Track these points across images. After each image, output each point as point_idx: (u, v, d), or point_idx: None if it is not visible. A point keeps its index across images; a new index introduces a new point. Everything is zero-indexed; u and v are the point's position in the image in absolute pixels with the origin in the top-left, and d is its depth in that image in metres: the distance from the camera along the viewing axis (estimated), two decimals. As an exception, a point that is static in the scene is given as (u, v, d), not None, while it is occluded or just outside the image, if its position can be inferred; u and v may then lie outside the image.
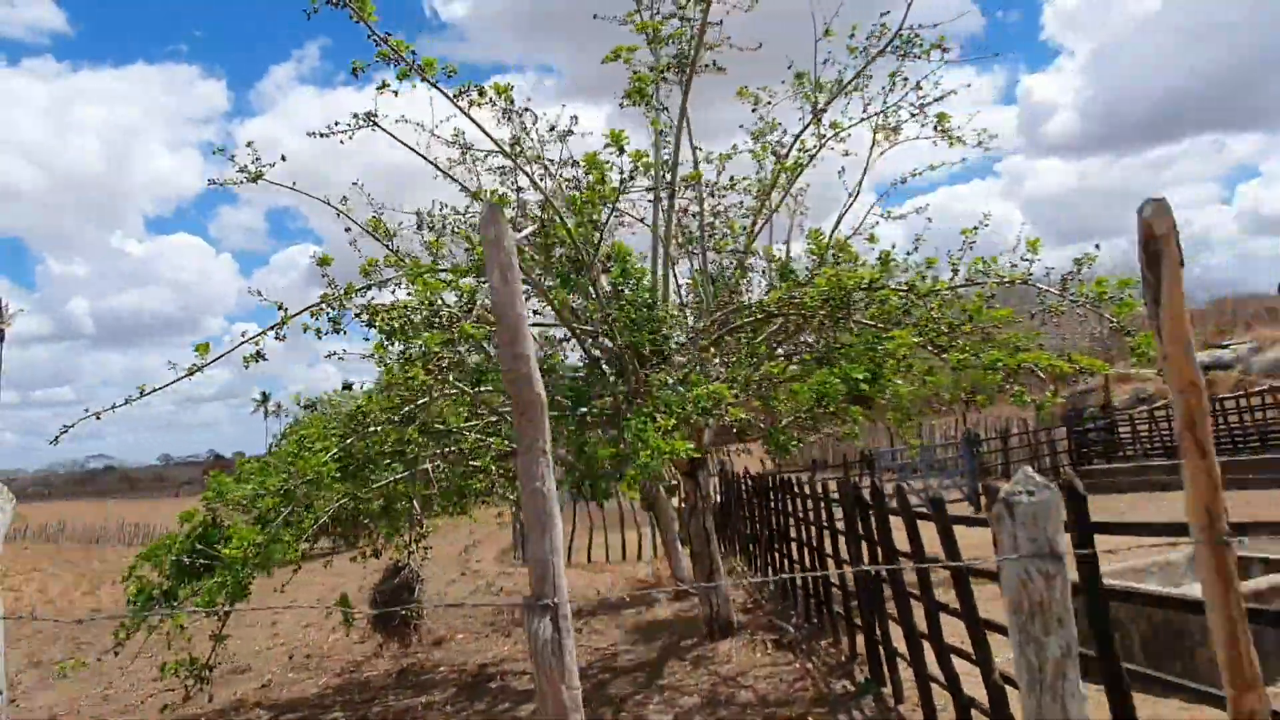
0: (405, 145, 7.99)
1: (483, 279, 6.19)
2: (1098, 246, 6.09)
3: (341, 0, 5.35)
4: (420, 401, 6.40)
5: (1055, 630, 1.73)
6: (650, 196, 9.26)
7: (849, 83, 9.20)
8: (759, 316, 7.57)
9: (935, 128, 8.46)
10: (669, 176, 8.90)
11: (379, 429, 6.08)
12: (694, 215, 9.69)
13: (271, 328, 7.24)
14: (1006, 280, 6.02)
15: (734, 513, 15.53)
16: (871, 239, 9.86)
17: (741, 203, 10.02)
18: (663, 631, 10.73)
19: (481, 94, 6.11)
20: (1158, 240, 1.96)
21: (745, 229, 9.27)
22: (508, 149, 7.11)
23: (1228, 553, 1.83)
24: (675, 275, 10.73)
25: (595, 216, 6.69)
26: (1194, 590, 7.47)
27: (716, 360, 8.55)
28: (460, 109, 6.13)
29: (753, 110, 9.98)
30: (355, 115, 7.40)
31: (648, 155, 6.41)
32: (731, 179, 9.41)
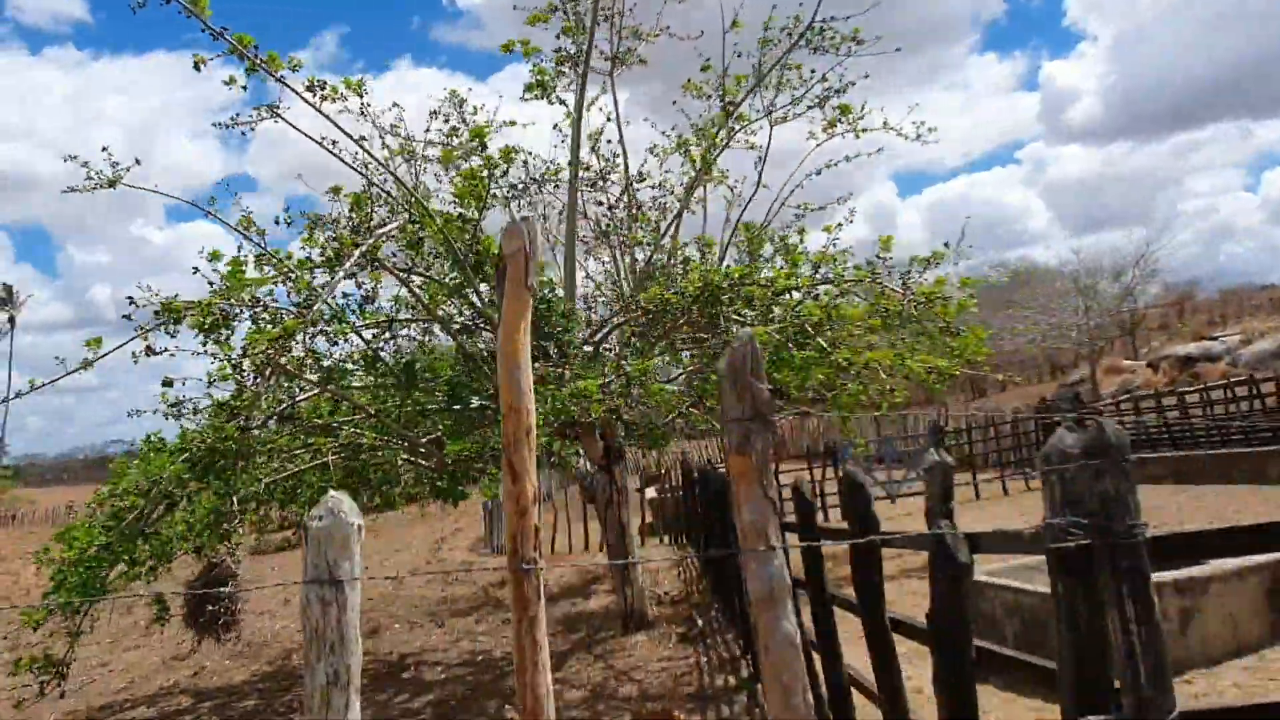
0: (308, 137, 8.04)
1: (339, 270, 6.21)
2: (946, 245, 6.02)
3: (170, -3, 5.37)
4: (278, 405, 6.46)
5: (325, 657, 1.72)
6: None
7: (765, 75, 9.13)
8: (638, 314, 7.55)
9: (837, 120, 8.38)
10: (579, 171, 8.88)
11: (225, 431, 6.12)
12: (609, 210, 9.66)
13: (158, 324, 7.32)
14: (853, 280, 5.97)
15: (682, 502, 15.62)
16: (801, 231, 9.80)
17: (662, 197, 9.98)
18: (586, 624, 10.77)
19: (323, 86, 6.11)
20: (505, 260, 1.94)
21: (655, 222, 9.23)
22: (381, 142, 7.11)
23: (527, 581, 1.81)
24: (621, 269, 10.73)
25: (468, 212, 6.67)
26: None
27: (631, 356, 8.55)
28: (310, 103, 6.14)
29: (674, 103, 9.95)
30: (256, 108, 7.44)
31: (512, 148, 6.38)
32: (641, 173, 9.36)
